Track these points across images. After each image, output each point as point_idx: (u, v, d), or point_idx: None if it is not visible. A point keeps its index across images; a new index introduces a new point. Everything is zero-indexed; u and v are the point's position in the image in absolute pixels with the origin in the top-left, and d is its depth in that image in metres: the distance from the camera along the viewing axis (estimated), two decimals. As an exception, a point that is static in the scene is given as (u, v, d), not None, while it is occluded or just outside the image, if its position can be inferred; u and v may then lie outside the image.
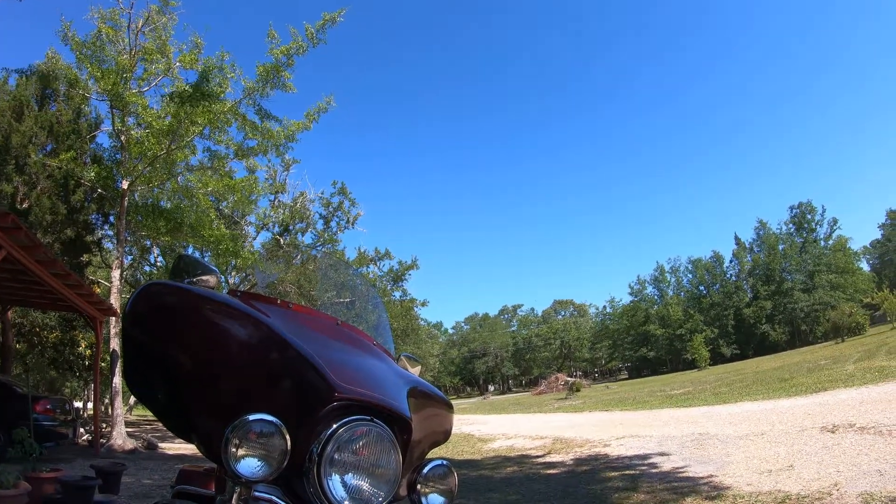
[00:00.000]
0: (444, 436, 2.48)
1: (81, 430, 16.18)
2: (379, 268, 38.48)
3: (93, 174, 16.03)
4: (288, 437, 1.50)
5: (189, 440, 1.98)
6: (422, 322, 56.84)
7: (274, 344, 1.69)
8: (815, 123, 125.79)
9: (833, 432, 7.64)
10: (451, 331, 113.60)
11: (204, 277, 1.92)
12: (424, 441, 2.14)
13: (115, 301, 14.61)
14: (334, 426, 1.55)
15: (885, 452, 6.02)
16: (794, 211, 73.12)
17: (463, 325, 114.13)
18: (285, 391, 1.68)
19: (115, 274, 15.61)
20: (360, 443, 1.57)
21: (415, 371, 2.66)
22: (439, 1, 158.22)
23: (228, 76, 15.68)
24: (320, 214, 32.29)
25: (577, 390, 39.02)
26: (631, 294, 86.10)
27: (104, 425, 16.90)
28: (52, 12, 33.17)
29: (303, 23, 15.55)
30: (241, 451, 1.46)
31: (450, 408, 2.51)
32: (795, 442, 7.54)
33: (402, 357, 2.72)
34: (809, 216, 71.74)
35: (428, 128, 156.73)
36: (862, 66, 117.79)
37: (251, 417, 1.47)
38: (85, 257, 20.41)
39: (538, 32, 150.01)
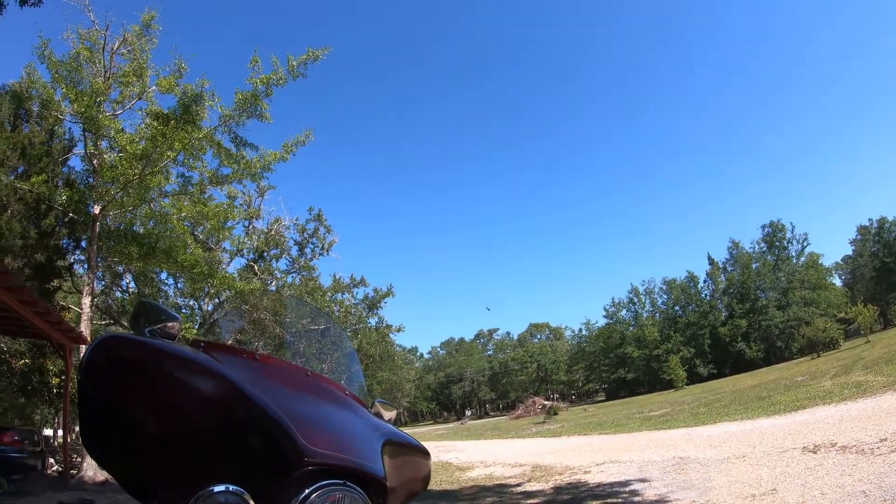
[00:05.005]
0: (423, 484, 2.55)
1: (51, 460, 15.72)
2: (353, 295, 38.32)
3: (64, 198, 15.75)
4: None
5: None
6: (397, 348, 56.42)
7: (239, 402, 1.62)
8: (780, 143, 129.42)
9: (815, 452, 7.60)
10: (426, 356, 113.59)
11: (168, 324, 1.85)
12: (400, 492, 2.16)
13: (85, 328, 14.25)
14: (306, 492, 1.51)
15: (867, 472, 5.95)
16: (766, 230, 74.64)
17: (439, 349, 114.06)
18: (251, 454, 1.62)
19: (86, 301, 15.21)
20: None
21: (390, 416, 2.69)
22: (420, 31, 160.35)
23: (206, 104, 15.46)
24: (295, 241, 32.07)
25: (555, 414, 39.01)
26: (606, 316, 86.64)
27: (74, 455, 16.40)
28: (29, 30, 32.80)
29: (286, 54, 15.51)
30: None
31: (426, 455, 2.59)
32: (777, 464, 7.45)
33: (376, 403, 2.71)
34: (780, 234, 73.12)
35: (401, 154, 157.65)
36: (818, 88, 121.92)
37: (216, 489, 1.45)
38: (55, 282, 19.80)
39: (516, 59, 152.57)
